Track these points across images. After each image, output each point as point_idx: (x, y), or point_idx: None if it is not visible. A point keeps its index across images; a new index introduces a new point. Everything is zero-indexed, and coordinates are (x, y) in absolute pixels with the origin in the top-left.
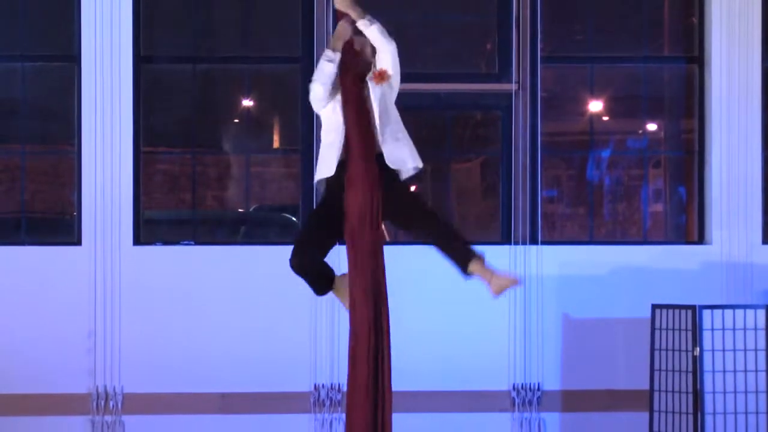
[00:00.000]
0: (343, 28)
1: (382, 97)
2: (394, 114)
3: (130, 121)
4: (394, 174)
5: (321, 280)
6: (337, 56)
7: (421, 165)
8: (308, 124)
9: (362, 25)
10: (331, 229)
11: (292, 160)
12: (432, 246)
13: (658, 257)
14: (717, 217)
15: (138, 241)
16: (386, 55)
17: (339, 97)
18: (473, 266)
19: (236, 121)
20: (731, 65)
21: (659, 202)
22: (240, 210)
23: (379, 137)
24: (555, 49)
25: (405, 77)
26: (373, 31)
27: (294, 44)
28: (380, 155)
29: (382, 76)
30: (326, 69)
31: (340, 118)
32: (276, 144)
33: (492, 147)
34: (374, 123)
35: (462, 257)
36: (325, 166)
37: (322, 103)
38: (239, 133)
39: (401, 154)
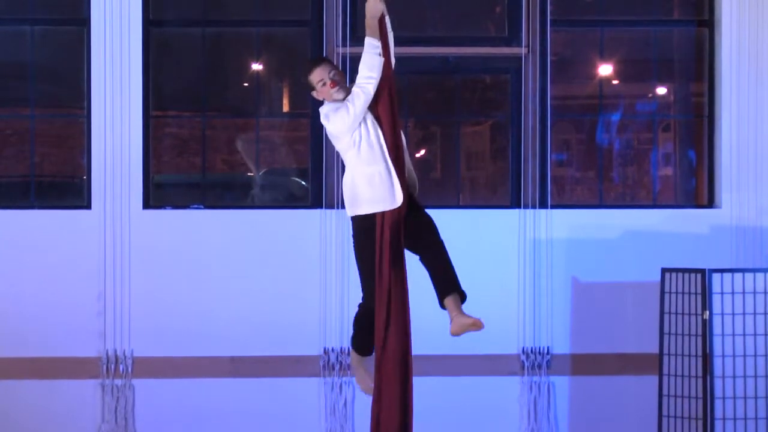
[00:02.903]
0: (375, 4)
1: None
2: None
3: (139, 84)
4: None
5: (365, 344)
6: (380, 44)
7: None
8: None
9: (388, 23)
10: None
11: (301, 123)
12: (423, 262)
13: (668, 221)
14: (727, 180)
15: (147, 204)
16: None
17: (370, 118)
18: (451, 299)
19: (245, 84)
20: (741, 28)
21: (669, 166)
22: (249, 174)
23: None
24: (565, 13)
25: (415, 41)
26: (391, 39)
27: (304, 7)
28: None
29: None
30: (380, 64)
31: (375, 144)
32: (285, 108)
33: (501, 110)
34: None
35: (448, 286)
36: (384, 196)
37: (362, 117)
38: (249, 96)
39: (414, 177)
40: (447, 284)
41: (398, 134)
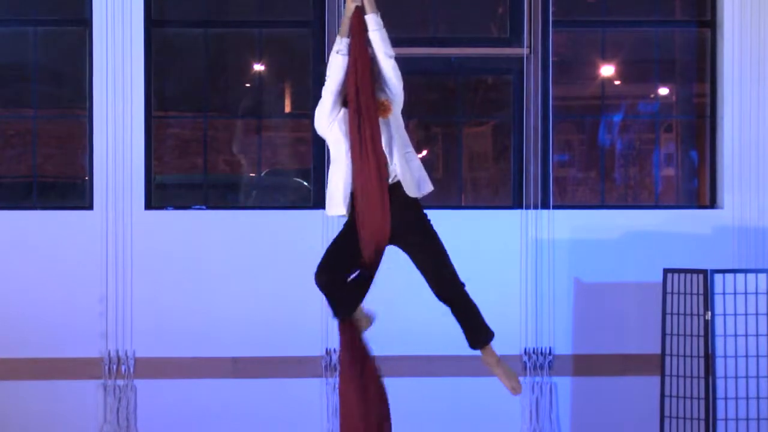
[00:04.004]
0: (348, 4)
1: (391, 120)
2: (403, 134)
3: (141, 85)
4: (411, 202)
5: (342, 303)
6: (345, 43)
7: (432, 189)
8: (319, 88)
9: (371, 20)
10: (353, 253)
11: (303, 124)
12: (441, 301)
13: (670, 221)
14: (729, 181)
15: (149, 205)
16: (388, 71)
17: (342, 117)
18: (487, 353)
19: (247, 85)
20: (743, 29)
21: (671, 167)
22: (251, 174)
23: (389, 160)
24: (566, 13)
25: (417, 41)
26: (377, 36)
27: (305, 8)
28: (398, 183)
29: (384, 110)
30: (336, 63)
31: (343, 145)
32: (287, 108)
33: (503, 111)
34: (383, 146)
35: (480, 337)
36: (335, 203)
37: (328, 117)
38: (250, 97)
39: (415, 177)
40: (478, 334)
41: (366, 131)
